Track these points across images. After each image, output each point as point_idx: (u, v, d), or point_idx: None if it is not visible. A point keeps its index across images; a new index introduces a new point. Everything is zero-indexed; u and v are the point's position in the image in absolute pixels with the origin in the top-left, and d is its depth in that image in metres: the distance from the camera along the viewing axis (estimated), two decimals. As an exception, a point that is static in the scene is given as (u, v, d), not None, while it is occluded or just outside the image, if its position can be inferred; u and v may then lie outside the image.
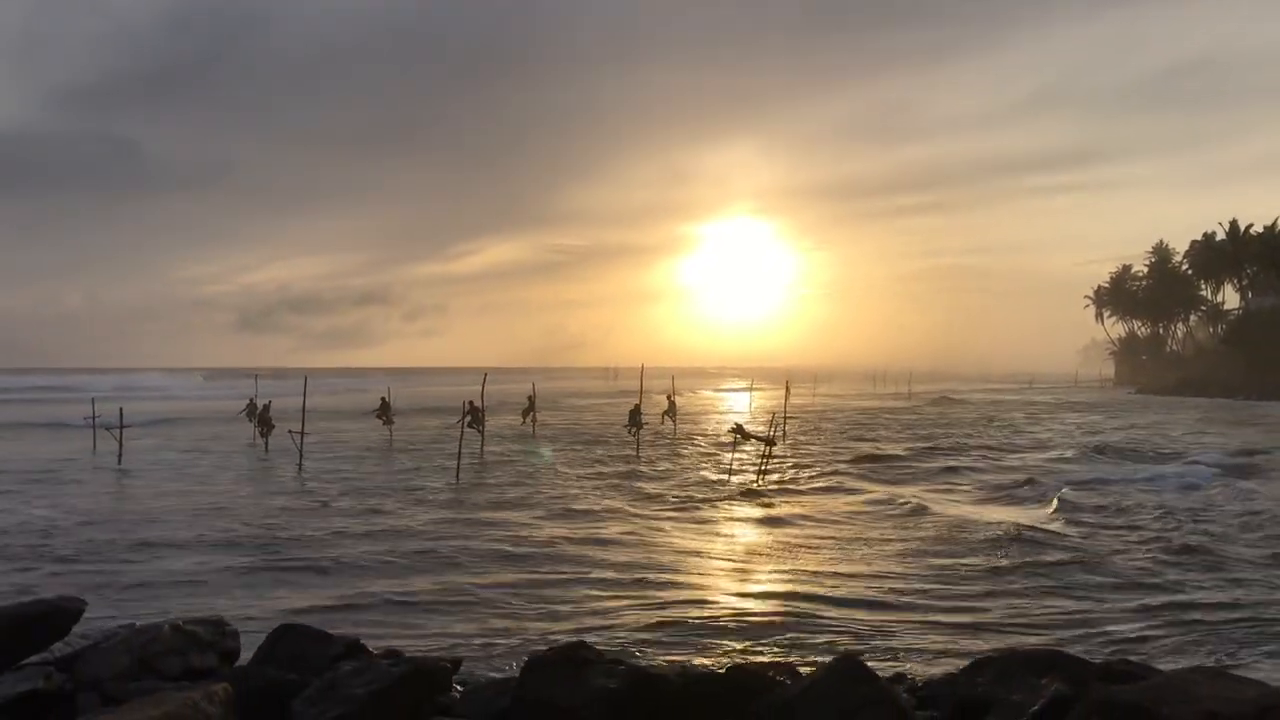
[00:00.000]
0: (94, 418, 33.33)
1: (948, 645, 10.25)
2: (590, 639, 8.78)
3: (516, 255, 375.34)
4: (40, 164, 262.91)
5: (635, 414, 36.59)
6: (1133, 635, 10.74)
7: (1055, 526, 18.39)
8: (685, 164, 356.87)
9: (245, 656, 7.99)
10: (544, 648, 7.65)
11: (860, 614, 11.81)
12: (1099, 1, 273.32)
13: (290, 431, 29.36)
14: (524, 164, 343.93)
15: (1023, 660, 6.26)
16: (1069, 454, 33.19)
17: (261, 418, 35.58)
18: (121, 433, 29.60)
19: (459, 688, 7.38)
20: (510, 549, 16.13)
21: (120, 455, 29.03)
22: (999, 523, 18.52)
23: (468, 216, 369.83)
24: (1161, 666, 7.25)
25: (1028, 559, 15.22)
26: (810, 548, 16.52)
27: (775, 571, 14.67)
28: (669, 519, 19.72)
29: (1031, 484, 24.75)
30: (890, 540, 17.13)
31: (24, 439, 39.89)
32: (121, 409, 31.36)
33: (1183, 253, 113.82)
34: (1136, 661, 6.88)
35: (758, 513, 20.69)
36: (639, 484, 25.08)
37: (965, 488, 25.16)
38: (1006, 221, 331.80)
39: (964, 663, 7.47)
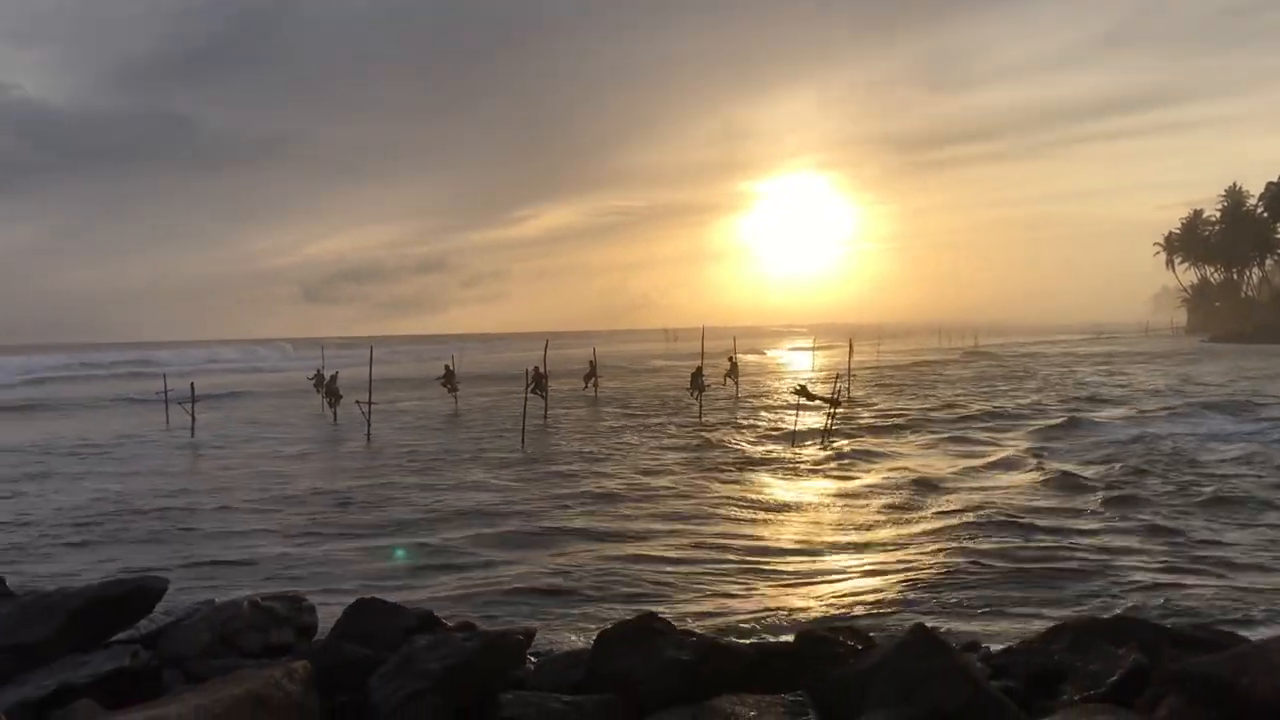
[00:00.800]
0: (166, 392, 34.13)
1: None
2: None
3: (575, 218, 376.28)
4: (105, 143, 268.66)
5: (697, 376, 36.56)
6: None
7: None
8: (743, 120, 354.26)
9: (322, 630, 8.16)
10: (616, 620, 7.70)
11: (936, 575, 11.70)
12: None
13: (357, 402, 29.79)
14: (581, 126, 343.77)
15: (1100, 628, 6.14)
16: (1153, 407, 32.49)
17: (329, 388, 36.14)
18: (193, 407, 30.24)
19: (532, 659, 7.45)
20: (584, 524, 16.19)
21: (193, 429, 29.68)
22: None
23: (525, 181, 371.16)
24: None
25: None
26: (876, 516, 16.21)
27: (852, 540, 14.51)
28: (738, 483, 19.63)
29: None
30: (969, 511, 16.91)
31: (100, 414, 40.92)
32: (193, 384, 32.11)
33: (1258, 195, 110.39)
34: (1224, 630, 6.71)
35: (823, 481, 20.48)
36: (704, 450, 24.97)
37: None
38: (1075, 168, 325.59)
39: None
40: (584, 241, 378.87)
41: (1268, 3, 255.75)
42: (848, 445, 24.70)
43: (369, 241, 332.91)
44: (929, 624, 6.99)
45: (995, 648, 7.04)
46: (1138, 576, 11.43)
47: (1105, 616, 7.12)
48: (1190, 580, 11.24)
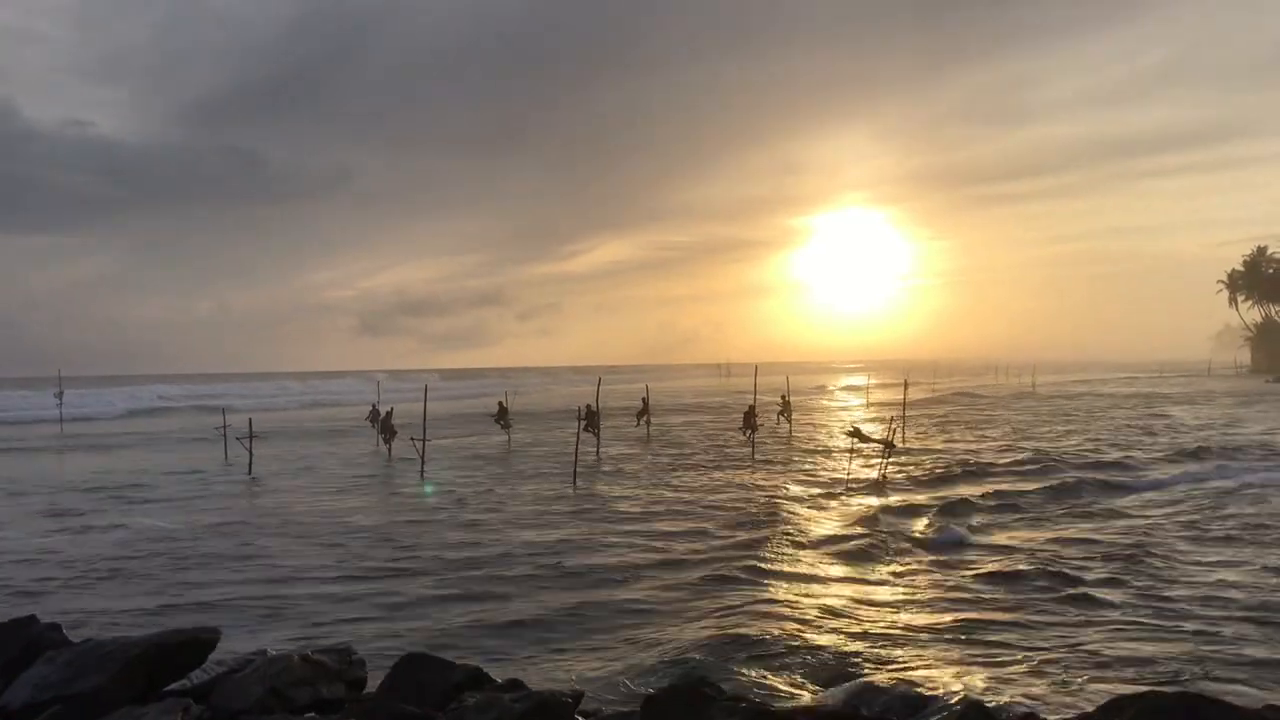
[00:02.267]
0: (225, 428, 34.67)
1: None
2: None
3: (628, 253, 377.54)
4: (171, 177, 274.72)
5: (750, 416, 36.40)
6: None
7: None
8: (796, 155, 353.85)
9: (372, 684, 8.16)
10: (665, 683, 7.60)
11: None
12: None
13: (412, 439, 29.96)
14: (634, 161, 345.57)
15: (1164, 705, 5.86)
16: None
17: (384, 424, 36.45)
18: (251, 443, 30.62)
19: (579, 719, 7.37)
20: (631, 558, 16.09)
21: (250, 465, 30.05)
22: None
23: (579, 216, 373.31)
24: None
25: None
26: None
27: (908, 599, 14.26)
28: (790, 537, 19.43)
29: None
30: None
31: (163, 449, 41.55)
32: (250, 420, 32.48)
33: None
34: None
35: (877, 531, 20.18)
36: (759, 494, 24.78)
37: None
38: (1133, 204, 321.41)
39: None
40: (637, 276, 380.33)
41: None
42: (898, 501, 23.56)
43: (425, 274, 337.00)
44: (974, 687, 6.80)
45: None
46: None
47: (1169, 690, 6.77)
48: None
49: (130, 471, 31.12)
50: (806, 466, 30.57)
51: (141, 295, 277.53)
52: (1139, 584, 13.74)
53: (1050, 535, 18.08)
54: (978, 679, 9.30)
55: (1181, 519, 19.56)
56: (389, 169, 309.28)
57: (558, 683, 9.24)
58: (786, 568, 15.52)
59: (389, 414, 36.70)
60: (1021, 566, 14.99)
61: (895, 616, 12.33)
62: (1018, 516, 20.45)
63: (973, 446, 35.38)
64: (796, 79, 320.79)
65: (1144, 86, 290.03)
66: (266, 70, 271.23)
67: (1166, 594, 13.09)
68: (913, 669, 9.85)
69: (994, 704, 7.31)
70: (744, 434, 36.44)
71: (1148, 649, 10.50)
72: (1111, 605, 12.61)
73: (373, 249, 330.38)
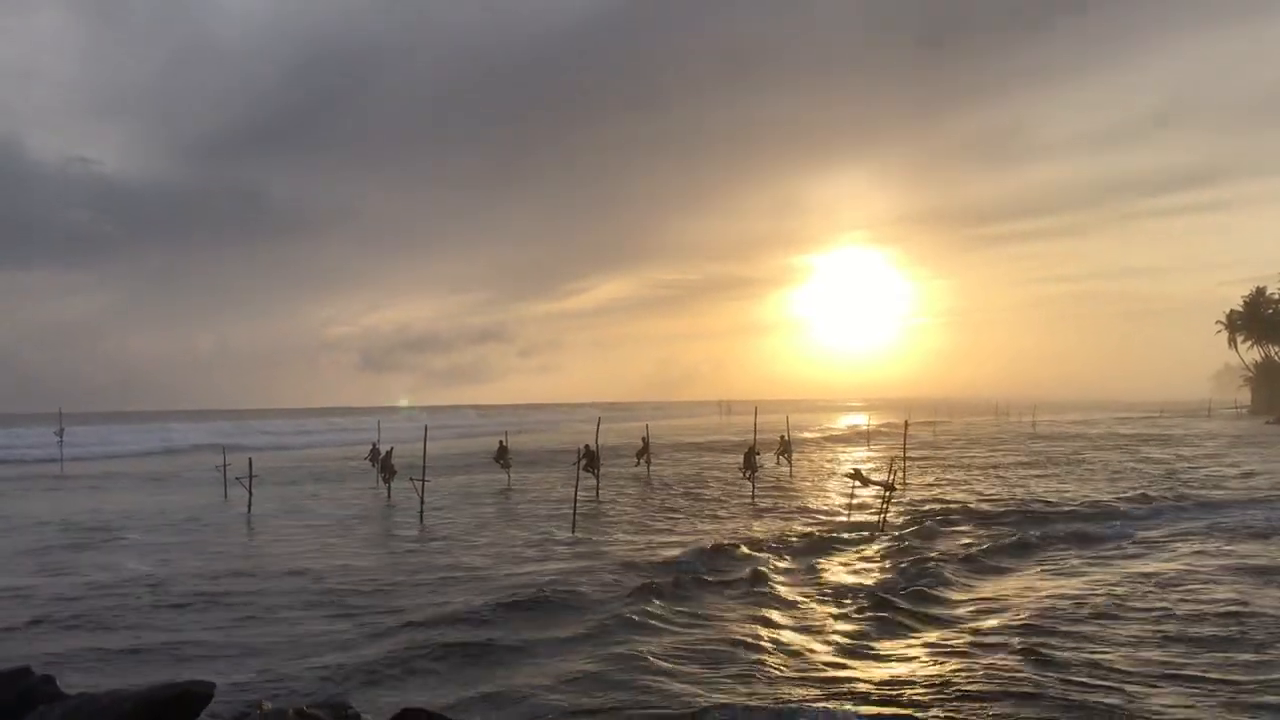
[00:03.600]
0: (225, 467, 34.69)
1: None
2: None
3: (628, 290, 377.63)
4: (174, 214, 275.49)
5: (750, 457, 36.32)
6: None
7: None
8: (795, 194, 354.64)
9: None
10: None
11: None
12: (1223, 14, 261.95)
13: (412, 479, 29.86)
14: (634, 199, 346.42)
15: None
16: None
17: (384, 464, 36.28)
18: (250, 482, 30.52)
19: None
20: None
21: (249, 505, 29.93)
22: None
23: (580, 253, 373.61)
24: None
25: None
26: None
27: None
28: (789, 585, 19.30)
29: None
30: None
31: (162, 488, 41.41)
32: (250, 459, 32.43)
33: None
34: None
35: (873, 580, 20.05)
36: (757, 537, 24.67)
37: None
38: (1132, 244, 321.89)
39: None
40: (638, 313, 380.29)
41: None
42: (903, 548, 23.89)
43: (427, 311, 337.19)
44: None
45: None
46: None
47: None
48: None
49: (123, 513, 30.86)
50: (807, 509, 30.44)
51: (144, 332, 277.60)
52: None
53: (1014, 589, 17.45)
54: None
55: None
56: (391, 206, 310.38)
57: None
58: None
59: (389, 453, 36.56)
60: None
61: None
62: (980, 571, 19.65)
63: (970, 490, 35.15)
64: (796, 119, 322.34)
65: (1140, 129, 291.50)
66: (269, 108, 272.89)
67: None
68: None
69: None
70: (744, 474, 36.33)
71: None
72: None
73: (374, 286, 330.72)
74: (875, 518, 25.77)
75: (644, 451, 44.90)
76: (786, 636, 14.05)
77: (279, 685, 11.27)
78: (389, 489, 34.70)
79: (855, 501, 28.18)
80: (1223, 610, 14.99)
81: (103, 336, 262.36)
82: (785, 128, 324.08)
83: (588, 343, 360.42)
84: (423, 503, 28.84)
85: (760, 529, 25.71)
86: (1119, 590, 16.81)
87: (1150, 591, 16.69)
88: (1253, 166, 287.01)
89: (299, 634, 14.42)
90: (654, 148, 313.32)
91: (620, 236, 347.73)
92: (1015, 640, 13.25)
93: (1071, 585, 17.46)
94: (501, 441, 42.38)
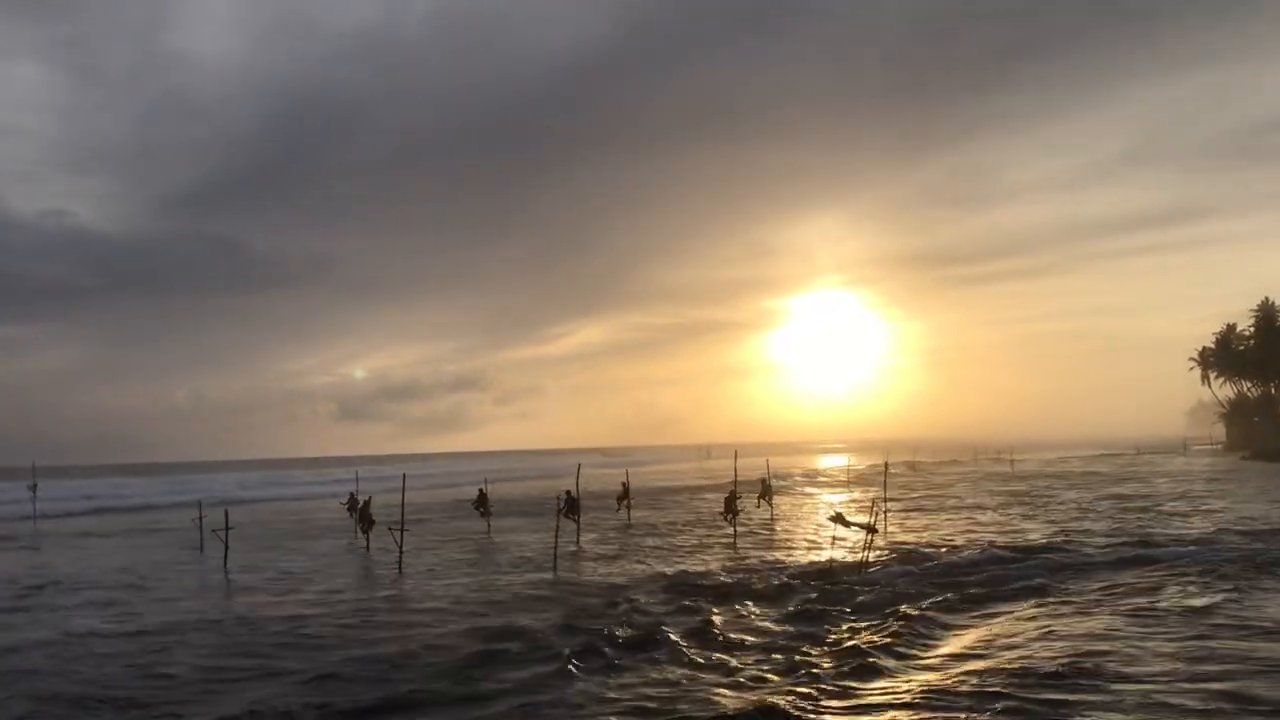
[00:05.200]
0: (201, 520, 34.38)
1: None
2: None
3: (606, 336, 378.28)
4: (151, 266, 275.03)
5: (731, 501, 36.26)
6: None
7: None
8: (770, 238, 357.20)
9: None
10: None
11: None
12: (1186, 60, 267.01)
13: (390, 529, 29.61)
14: (610, 245, 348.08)
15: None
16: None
17: (362, 514, 35.86)
18: (227, 535, 30.17)
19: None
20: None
21: (225, 558, 29.58)
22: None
23: (557, 299, 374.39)
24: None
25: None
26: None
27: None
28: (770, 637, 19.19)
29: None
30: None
31: (139, 541, 40.89)
32: (226, 511, 32.12)
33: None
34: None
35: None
36: (740, 579, 24.56)
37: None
38: (1104, 283, 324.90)
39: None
40: (616, 358, 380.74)
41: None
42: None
43: (405, 360, 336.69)
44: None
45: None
46: None
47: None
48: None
49: (89, 569, 30.50)
50: (789, 552, 30.36)
51: (120, 384, 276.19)
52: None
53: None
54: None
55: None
56: (368, 255, 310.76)
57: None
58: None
59: (367, 503, 36.20)
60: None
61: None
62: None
63: (948, 533, 35.14)
64: (771, 164, 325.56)
65: (1110, 169, 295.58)
66: (246, 161, 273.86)
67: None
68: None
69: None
70: (726, 519, 36.26)
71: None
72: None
73: (352, 335, 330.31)
74: (856, 558, 25.76)
75: (624, 496, 44.71)
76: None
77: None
78: (368, 540, 34.24)
79: (836, 543, 28.16)
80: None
81: (79, 389, 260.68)
82: (761, 173, 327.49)
83: (566, 389, 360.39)
84: (401, 553, 28.57)
85: (737, 570, 25.68)
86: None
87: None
88: (1222, 206, 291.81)
89: (273, 691, 14.23)
90: (630, 194, 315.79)
91: (598, 282, 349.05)
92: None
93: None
94: (481, 489, 42.14)
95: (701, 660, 15.50)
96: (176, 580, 27.47)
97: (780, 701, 12.83)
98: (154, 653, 17.35)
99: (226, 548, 30.01)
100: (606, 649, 16.36)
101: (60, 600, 24.13)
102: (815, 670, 14.54)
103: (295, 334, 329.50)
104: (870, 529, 25.84)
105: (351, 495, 42.63)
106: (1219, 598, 19.41)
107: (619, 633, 17.69)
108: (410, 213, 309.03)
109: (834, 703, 12.88)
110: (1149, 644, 15.51)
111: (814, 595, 21.64)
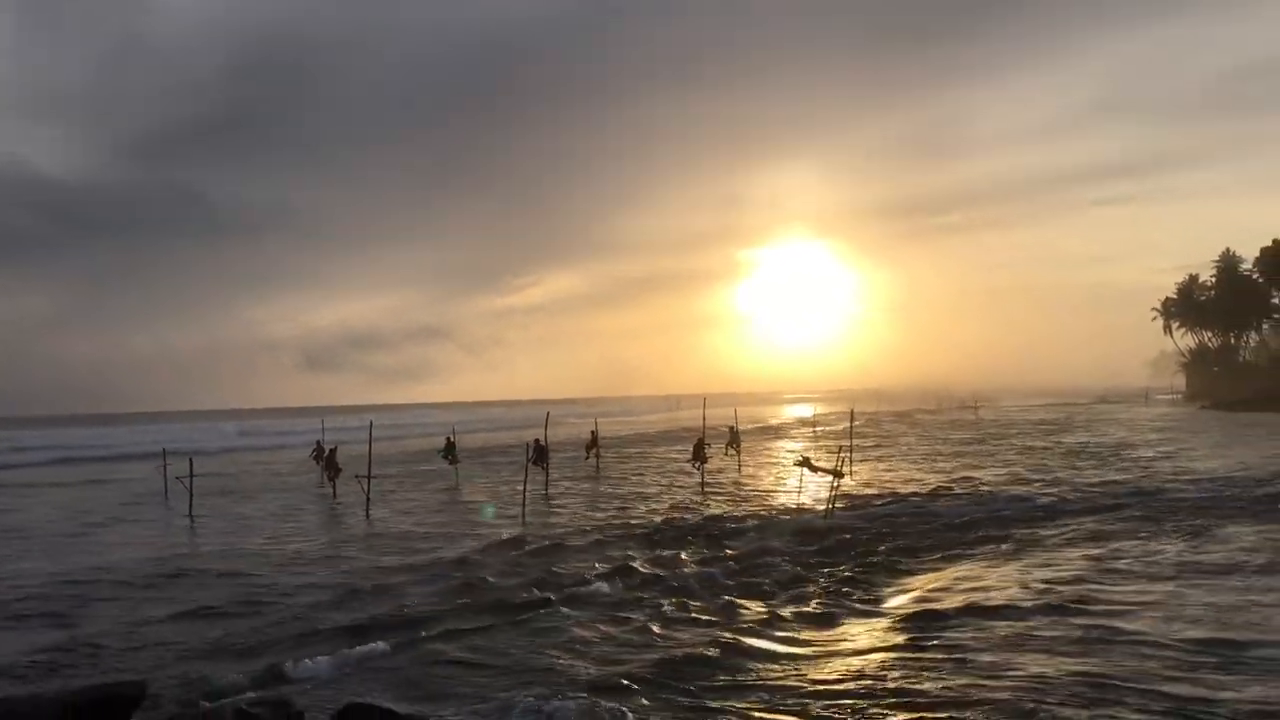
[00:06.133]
0: (165, 467, 34.00)
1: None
2: None
3: (574, 286, 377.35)
4: (111, 214, 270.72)
5: (699, 448, 36.27)
6: None
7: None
8: (740, 188, 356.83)
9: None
10: None
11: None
12: (1157, 8, 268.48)
13: (357, 477, 29.41)
14: (579, 194, 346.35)
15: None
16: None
17: (329, 462, 35.54)
18: (191, 483, 29.85)
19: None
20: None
21: (191, 506, 29.27)
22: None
23: (525, 249, 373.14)
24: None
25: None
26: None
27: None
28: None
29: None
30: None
31: (102, 488, 40.41)
32: (191, 459, 31.75)
33: (1252, 260, 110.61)
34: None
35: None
36: (708, 526, 24.57)
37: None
38: (1069, 234, 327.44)
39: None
40: (584, 308, 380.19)
41: (1255, 71, 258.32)
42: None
43: (371, 309, 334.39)
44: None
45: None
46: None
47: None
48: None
49: (45, 517, 30.20)
50: (755, 497, 30.48)
51: (80, 333, 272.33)
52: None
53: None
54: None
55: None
56: (333, 203, 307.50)
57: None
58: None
59: (333, 451, 35.91)
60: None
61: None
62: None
63: (912, 478, 35.41)
64: (740, 114, 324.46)
65: (1076, 120, 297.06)
66: (209, 107, 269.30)
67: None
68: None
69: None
70: (694, 466, 36.29)
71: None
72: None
73: (317, 284, 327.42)
74: (822, 505, 25.85)
75: (593, 445, 44.68)
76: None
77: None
78: (334, 488, 33.92)
79: (803, 489, 28.28)
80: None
81: (38, 338, 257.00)
82: (730, 123, 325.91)
83: (534, 339, 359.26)
84: (369, 500, 28.41)
85: (702, 515, 25.76)
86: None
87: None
88: (1185, 157, 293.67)
89: (234, 630, 14.09)
90: (601, 143, 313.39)
91: (567, 231, 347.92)
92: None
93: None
94: (449, 438, 41.93)
95: (664, 603, 15.41)
96: (133, 529, 27.21)
97: (739, 640, 12.85)
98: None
99: (191, 495, 29.70)
100: (569, 590, 16.28)
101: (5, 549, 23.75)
102: (780, 614, 14.52)
103: (260, 283, 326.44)
104: (837, 474, 25.88)
105: (318, 444, 42.34)
106: (1175, 544, 19.65)
107: (586, 575, 17.66)
108: (377, 161, 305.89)
109: (798, 650, 12.84)
110: (1111, 587, 15.64)
111: (779, 540, 21.67)
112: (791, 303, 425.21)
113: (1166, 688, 10.18)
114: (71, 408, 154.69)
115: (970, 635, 12.63)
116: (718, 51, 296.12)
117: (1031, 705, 9.50)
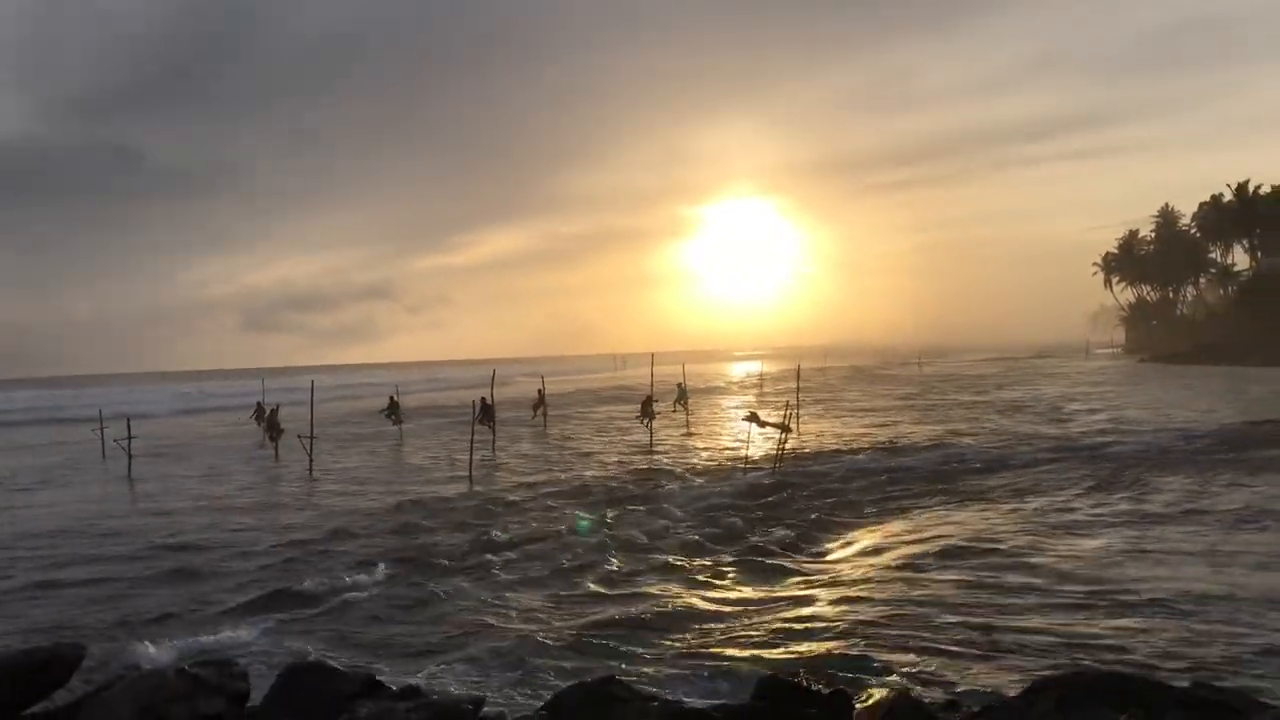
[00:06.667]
0: (101, 428, 33.27)
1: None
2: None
3: (518, 244, 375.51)
4: (45, 173, 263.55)
5: (647, 404, 36.31)
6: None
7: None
8: (685, 145, 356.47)
9: (256, 697, 7.61)
10: (572, 682, 7.24)
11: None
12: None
13: (300, 437, 28.97)
14: (523, 152, 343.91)
15: (1089, 685, 5.72)
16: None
17: (270, 422, 34.94)
18: (129, 444, 29.25)
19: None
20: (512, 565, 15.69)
21: (129, 466, 28.69)
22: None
23: (468, 207, 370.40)
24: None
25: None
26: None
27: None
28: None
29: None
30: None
31: (35, 452, 39.47)
32: (129, 419, 31.10)
33: (1190, 216, 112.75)
34: (1230, 686, 6.36)
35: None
36: (656, 482, 24.58)
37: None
38: (1011, 190, 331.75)
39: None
40: (528, 267, 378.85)
41: (1192, 26, 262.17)
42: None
43: (313, 269, 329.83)
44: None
45: (974, 708, 6.61)
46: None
47: (1097, 669, 6.67)
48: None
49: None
50: (703, 452, 30.57)
51: (14, 295, 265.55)
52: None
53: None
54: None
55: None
56: (273, 163, 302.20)
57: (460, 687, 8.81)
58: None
59: (274, 411, 35.34)
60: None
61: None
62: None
63: (859, 432, 35.78)
64: (685, 70, 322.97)
65: (1019, 76, 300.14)
66: (147, 65, 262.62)
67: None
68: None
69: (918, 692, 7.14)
70: (642, 422, 36.31)
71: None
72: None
73: (256, 244, 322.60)
74: (770, 457, 25.96)
75: (540, 404, 44.55)
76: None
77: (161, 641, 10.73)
78: (276, 447, 33.30)
79: (750, 444, 28.33)
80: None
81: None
82: (673, 80, 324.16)
83: (479, 298, 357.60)
84: (311, 460, 28.03)
85: (648, 471, 25.78)
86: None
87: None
88: (1125, 114, 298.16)
89: (176, 591, 13.82)
90: (546, 99, 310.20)
91: (510, 189, 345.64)
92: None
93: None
94: (392, 397, 41.56)
95: (611, 560, 15.35)
96: (63, 492, 26.59)
97: (689, 597, 12.85)
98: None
99: (129, 456, 29.11)
100: (504, 552, 16.13)
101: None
102: (721, 568, 14.54)
103: (200, 243, 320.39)
104: (784, 428, 26.00)
105: (258, 404, 41.75)
106: (1100, 497, 20.03)
107: (522, 532, 17.60)
108: (318, 119, 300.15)
109: (733, 609, 12.88)
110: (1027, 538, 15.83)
111: (724, 496, 21.70)
112: (738, 260, 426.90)
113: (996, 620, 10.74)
114: (7, 371, 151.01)
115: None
116: (659, 6, 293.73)
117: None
